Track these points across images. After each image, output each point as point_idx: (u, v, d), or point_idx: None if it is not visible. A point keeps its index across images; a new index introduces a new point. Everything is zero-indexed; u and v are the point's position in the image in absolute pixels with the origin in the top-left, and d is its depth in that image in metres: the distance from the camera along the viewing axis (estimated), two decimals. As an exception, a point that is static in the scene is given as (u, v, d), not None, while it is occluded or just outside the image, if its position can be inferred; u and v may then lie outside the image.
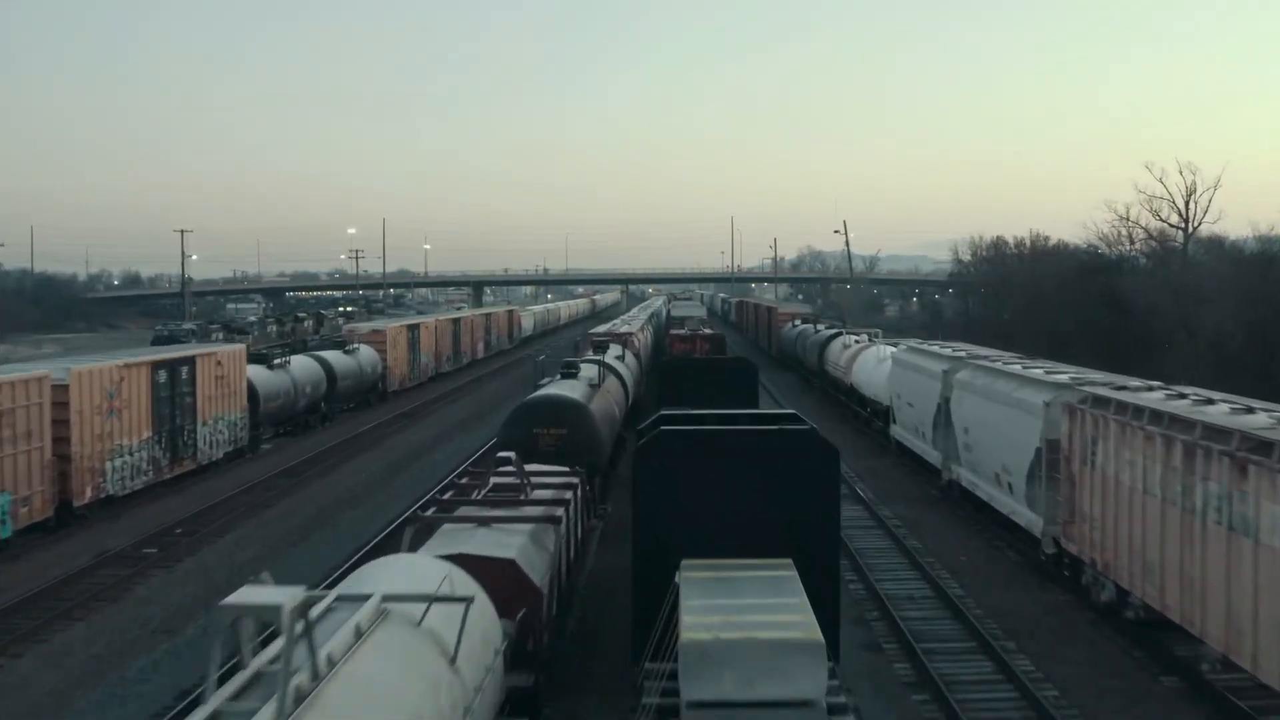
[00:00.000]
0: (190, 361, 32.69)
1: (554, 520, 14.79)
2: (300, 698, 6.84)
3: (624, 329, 45.65)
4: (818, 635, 9.61)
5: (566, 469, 18.92)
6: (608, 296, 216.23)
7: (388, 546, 21.59)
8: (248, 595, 7.38)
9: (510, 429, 22.45)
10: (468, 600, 9.48)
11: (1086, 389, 17.39)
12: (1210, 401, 14.98)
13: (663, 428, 13.77)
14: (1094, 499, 16.32)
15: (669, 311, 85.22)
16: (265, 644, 8.01)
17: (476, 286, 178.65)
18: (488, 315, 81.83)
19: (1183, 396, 15.80)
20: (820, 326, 52.34)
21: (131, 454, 29.13)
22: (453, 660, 9.10)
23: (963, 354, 26.14)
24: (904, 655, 16.70)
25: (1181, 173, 79.81)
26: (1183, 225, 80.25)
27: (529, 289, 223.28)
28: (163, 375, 30.94)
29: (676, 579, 11.63)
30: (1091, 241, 76.77)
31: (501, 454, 16.67)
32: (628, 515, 14.43)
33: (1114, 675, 15.71)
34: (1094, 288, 71.66)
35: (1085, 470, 16.70)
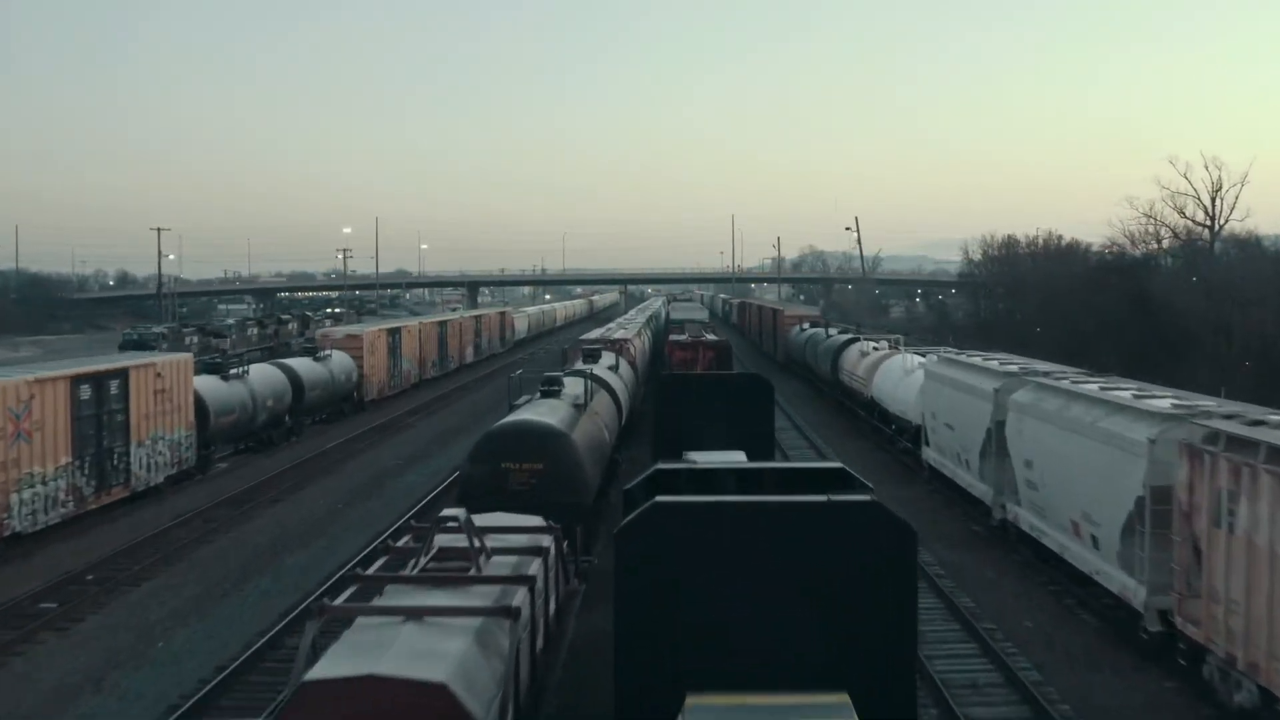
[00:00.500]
0: (122, 374, 28.63)
1: (510, 614, 10.75)
2: None
3: (619, 334, 41.55)
4: None
5: (539, 521, 14.88)
6: (606, 297, 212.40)
7: (329, 595, 17.54)
8: None
9: (474, 465, 18.41)
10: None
11: (1211, 423, 13.34)
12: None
13: (658, 499, 9.66)
14: (1231, 573, 12.32)
15: (668, 314, 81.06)
16: None
17: (471, 287, 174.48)
18: (477, 318, 77.79)
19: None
20: (832, 331, 48.25)
21: (45, 483, 25.10)
22: None
23: (1015, 368, 22.10)
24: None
25: (1207, 168, 76.01)
26: (1209, 223, 76.40)
27: (527, 289, 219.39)
28: (86, 391, 26.89)
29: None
30: (1115, 240, 72.45)
31: (447, 513, 12.63)
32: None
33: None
34: (1117, 288, 67.76)
35: (1217, 534, 12.70)
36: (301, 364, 42.20)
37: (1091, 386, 18.10)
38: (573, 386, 22.84)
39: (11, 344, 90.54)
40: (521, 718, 10.91)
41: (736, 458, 19.68)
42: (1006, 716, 14.27)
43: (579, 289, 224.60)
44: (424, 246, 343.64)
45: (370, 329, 52.27)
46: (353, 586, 11.97)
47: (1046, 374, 20.74)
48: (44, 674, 17.24)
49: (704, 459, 19.97)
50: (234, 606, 20.55)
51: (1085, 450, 16.26)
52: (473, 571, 12.07)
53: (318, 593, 20.56)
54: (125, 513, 28.07)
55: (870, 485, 10.78)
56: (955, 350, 29.95)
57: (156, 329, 67.96)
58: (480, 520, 14.50)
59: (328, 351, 45.85)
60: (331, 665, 9.60)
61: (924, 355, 31.97)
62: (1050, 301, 77.67)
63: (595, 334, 42.21)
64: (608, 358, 33.13)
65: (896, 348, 37.64)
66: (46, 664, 17.74)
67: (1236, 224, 74.74)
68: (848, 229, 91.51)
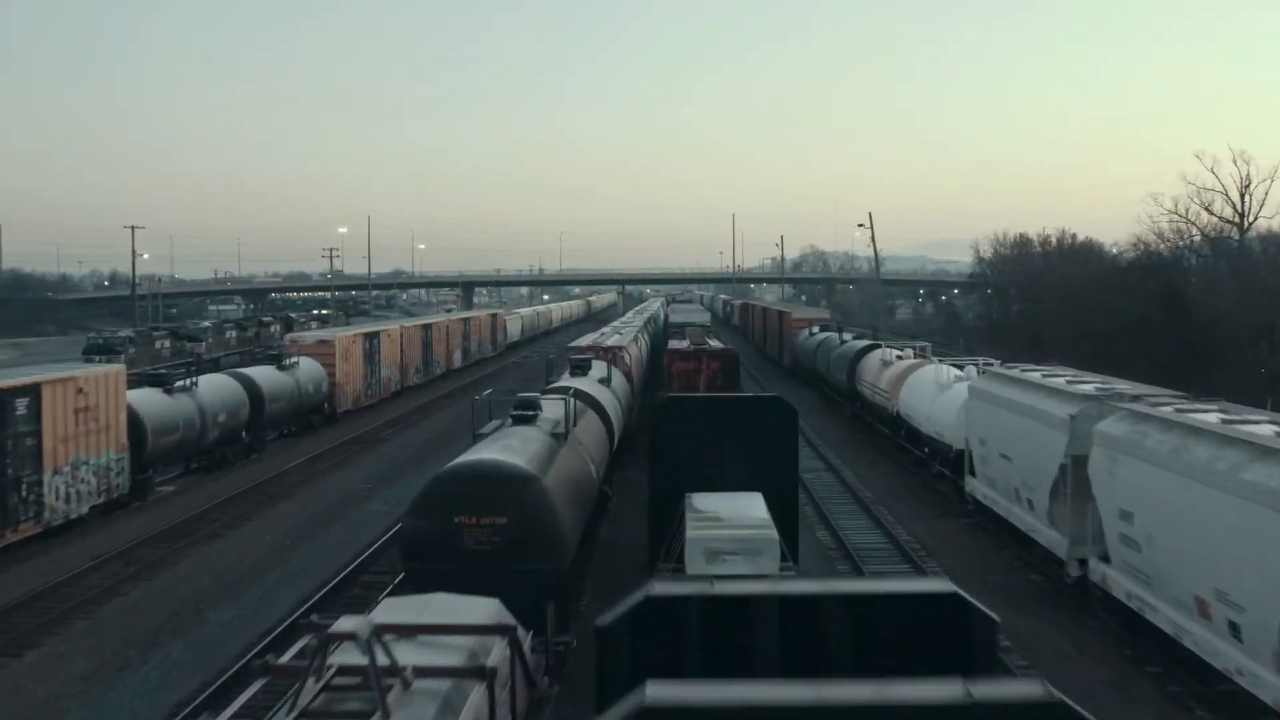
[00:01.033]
0: (32, 391, 24.60)
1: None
2: None
3: (612, 340, 37.42)
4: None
5: (491, 611, 10.85)
6: (604, 298, 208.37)
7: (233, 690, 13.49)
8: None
9: (419, 517, 14.40)
10: None
11: None
12: None
13: (648, 695, 5.31)
14: None
15: (667, 316, 76.88)
16: None
17: (466, 287, 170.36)
18: (466, 320, 73.67)
19: None
20: (846, 336, 44.12)
21: (-73, 522, 21.08)
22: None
23: (1091, 388, 18.05)
24: None
25: (1235, 162, 72.13)
26: (1237, 220, 72.47)
27: (525, 290, 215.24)
28: (-17, 411, 22.88)
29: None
30: (1143, 237, 68.36)
31: (343, 626, 8.57)
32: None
33: None
34: (1145, 289, 63.74)
35: None
36: (262, 373, 38.17)
37: (1210, 417, 14.09)
38: (552, 410, 18.79)
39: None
40: None
41: (752, 506, 15.72)
42: None
43: (577, 289, 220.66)
44: (421, 246, 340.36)
45: (344, 334, 48.20)
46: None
47: (1137, 398, 16.71)
48: None
49: (711, 505, 16.00)
50: (126, 690, 16.50)
51: (1221, 508, 12.25)
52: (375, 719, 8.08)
53: (235, 666, 16.65)
54: (34, 553, 24.03)
55: (996, 619, 6.78)
56: (1003, 363, 25.87)
57: (123, 332, 63.76)
58: (406, 611, 10.51)
59: (295, 359, 41.80)
60: None
61: (960, 366, 27.91)
62: (1069, 303, 73.69)
63: (586, 340, 38.07)
64: (598, 368, 29.12)
65: (924, 356, 33.60)
66: None
67: (1264, 221, 70.82)
68: (860, 226, 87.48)
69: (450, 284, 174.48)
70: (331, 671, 8.90)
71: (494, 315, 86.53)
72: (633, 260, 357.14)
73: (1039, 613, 18.36)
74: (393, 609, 10.69)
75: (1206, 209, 71.60)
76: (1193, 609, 13.16)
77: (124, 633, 19.05)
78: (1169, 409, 15.13)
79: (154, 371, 35.00)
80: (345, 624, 8.68)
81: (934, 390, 27.02)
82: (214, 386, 34.21)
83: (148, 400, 30.17)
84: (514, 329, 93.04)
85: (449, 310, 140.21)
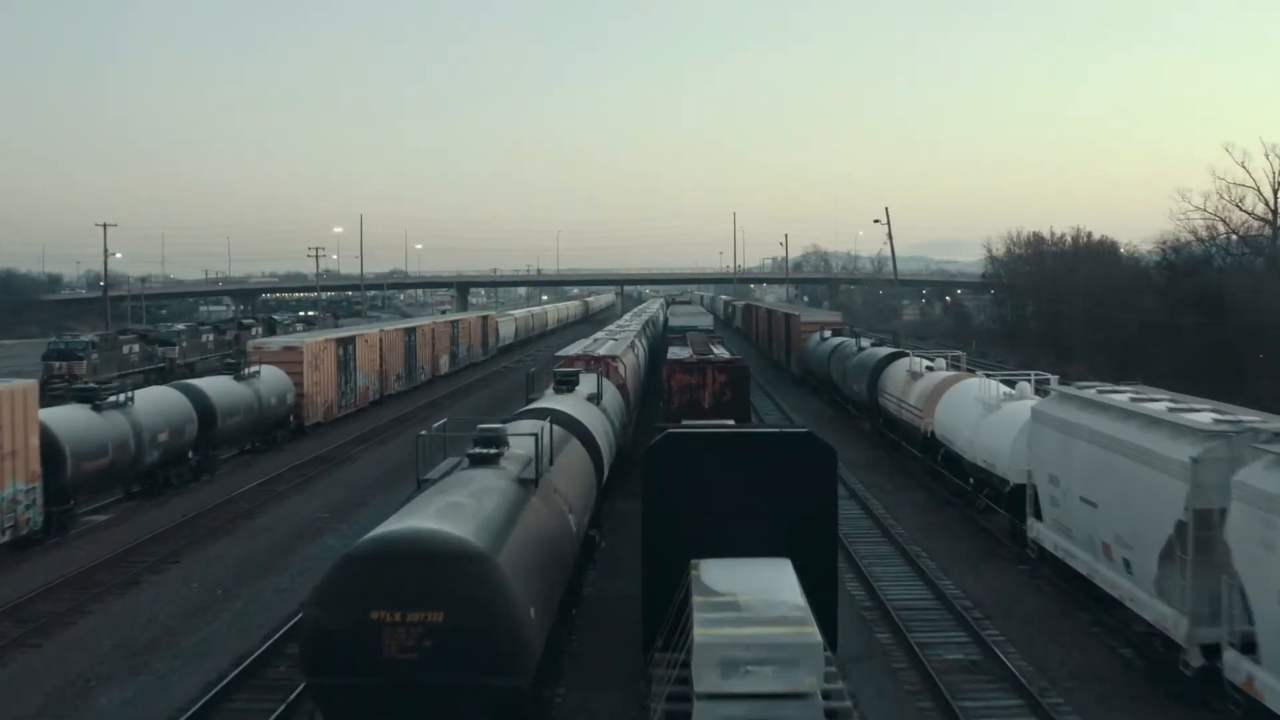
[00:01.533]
0: (-91, 413, 20.64)
1: None
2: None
3: (605, 349, 33.27)
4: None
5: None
6: (603, 298, 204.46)
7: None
8: None
9: (325, 611, 10.40)
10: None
11: None
12: None
13: None
14: None
15: (666, 319, 72.69)
16: None
17: (461, 288, 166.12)
18: (454, 323, 69.64)
19: None
20: (865, 342, 40.02)
21: None
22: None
23: (1209, 418, 14.01)
24: None
25: (1268, 156, 68.10)
26: (1269, 216, 68.53)
27: (522, 290, 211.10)
28: None
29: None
30: (1178, 235, 64.26)
31: None
32: None
33: None
34: (1178, 290, 59.75)
35: None
36: (215, 385, 34.20)
37: None
38: (521, 446, 14.78)
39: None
40: None
41: (780, 582, 11.83)
42: None
43: (575, 290, 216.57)
44: (418, 246, 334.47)
45: (314, 339, 44.19)
46: None
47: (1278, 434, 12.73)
48: None
49: (726, 580, 12.06)
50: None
51: None
52: None
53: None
54: (-94, 608, 20.05)
55: None
56: (1064, 379, 21.85)
57: (86, 336, 59.60)
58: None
59: (255, 368, 37.81)
60: None
61: (1010, 383, 23.88)
62: (1091, 304, 69.71)
63: (575, 349, 33.87)
64: (587, 383, 25.11)
65: (959, 366, 29.61)
66: None
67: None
68: (876, 221, 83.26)
69: (446, 284, 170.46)
70: None
71: (485, 317, 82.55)
72: (631, 260, 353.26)
73: (1142, 712, 14.34)
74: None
75: (1237, 205, 67.73)
76: None
77: (-19, 726, 15.10)
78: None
79: (83, 386, 30.94)
80: None
81: (978, 410, 22.99)
82: (154, 402, 30.24)
83: (69, 420, 26.23)
84: (507, 331, 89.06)
85: (444, 311, 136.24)
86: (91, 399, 27.94)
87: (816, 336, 50.06)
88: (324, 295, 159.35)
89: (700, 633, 10.48)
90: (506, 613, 10.21)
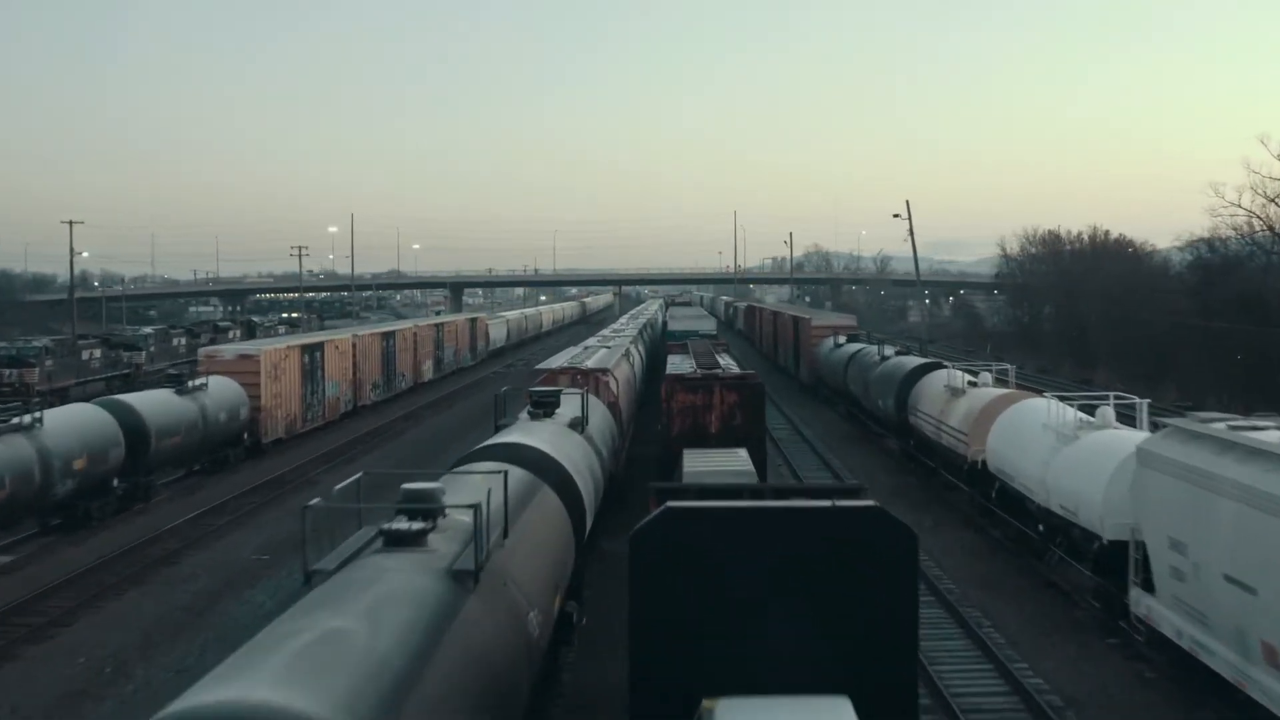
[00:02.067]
0: None
1: None
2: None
3: (595, 360, 28.88)
4: None
5: None
6: (601, 299, 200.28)
7: None
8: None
9: None
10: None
11: None
12: None
13: None
14: None
15: (665, 323, 68.18)
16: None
17: (455, 288, 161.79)
18: (439, 326, 65.31)
19: None
20: (889, 350, 35.68)
21: None
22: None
23: None
24: None
25: (1307, 146, 63.82)
26: (1311, 213, 64.30)
27: (520, 291, 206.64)
28: None
29: None
30: (1216, 231, 59.88)
31: None
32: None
33: None
34: (1213, 291, 55.62)
35: None
36: (149, 401, 29.95)
37: None
38: (458, 521, 10.38)
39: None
40: None
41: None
42: None
43: (573, 290, 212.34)
44: (415, 246, 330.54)
45: (273, 346, 39.93)
46: None
47: None
48: None
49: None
50: None
51: None
52: None
53: None
54: None
55: None
56: (1178, 406, 17.60)
57: (38, 341, 55.29)
58: None
59: (203, 380, 33.52)
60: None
61: (1090, 410, 19.59)
62: (1116, 306, 65.52)
63: (561, 359, 29.37)
64: (570, 405, 20.81)
65: (1006, 381, 25.33)
66: None
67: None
68: (896, 215, 78.93)
69: (441, 284, 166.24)
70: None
71: (473, 320, 78.20)
72: (630, 260, 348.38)
73: None
74: None
75: (1274, 200, 63.45)
76: None
77: None
78: None
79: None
80: None
81: (1049, 440, 18.69)
82: (69, 423, 25.97)
83: (-49, 447, 21.98)
84: (498, 334, 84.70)
85: (438, 312, 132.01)
86: (-12, 421, 23.72)
87: (830, 342, 45.81)
88: (318, 296, 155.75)
89: None
90: None
